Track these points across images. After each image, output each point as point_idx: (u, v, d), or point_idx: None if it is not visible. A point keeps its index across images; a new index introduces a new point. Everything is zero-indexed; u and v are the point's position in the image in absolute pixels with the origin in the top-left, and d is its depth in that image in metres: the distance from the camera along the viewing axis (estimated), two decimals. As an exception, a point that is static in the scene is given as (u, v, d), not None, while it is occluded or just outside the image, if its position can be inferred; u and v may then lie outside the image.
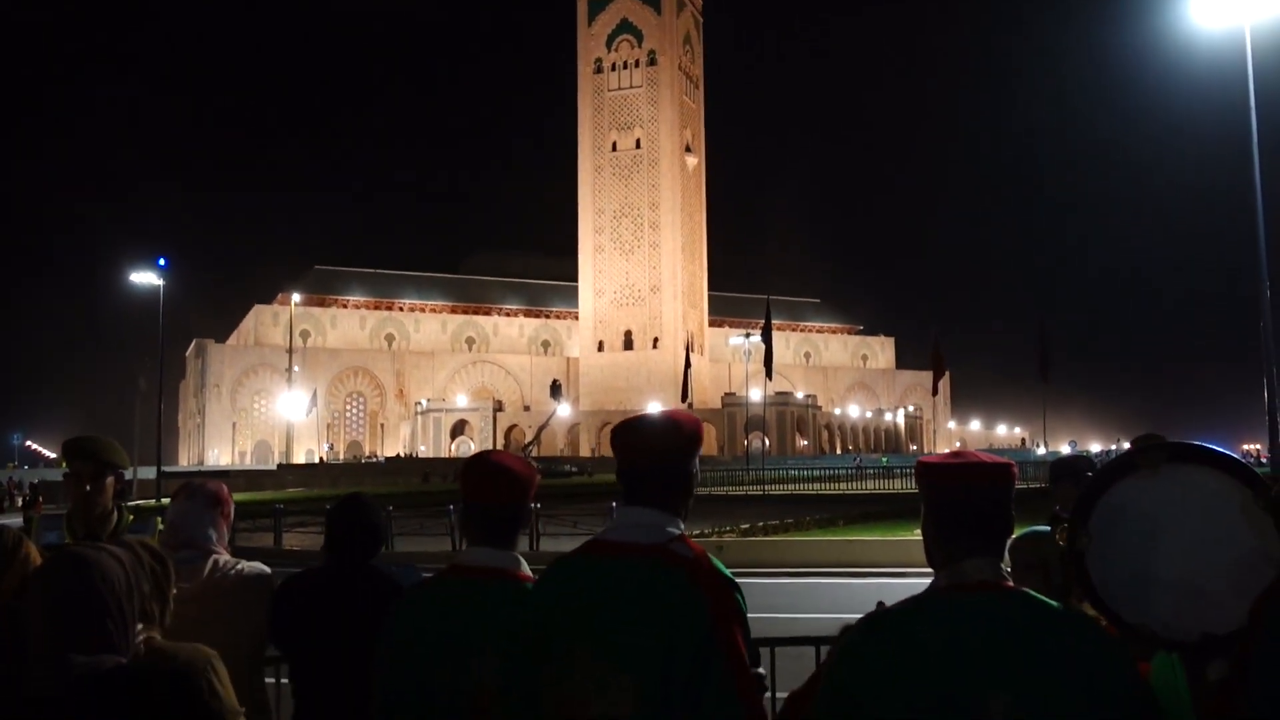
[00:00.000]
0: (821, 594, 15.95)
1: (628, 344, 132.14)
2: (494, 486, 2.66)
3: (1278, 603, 2.10)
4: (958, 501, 2.13)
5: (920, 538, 2.23)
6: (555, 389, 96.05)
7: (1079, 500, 2.81)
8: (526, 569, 2.68)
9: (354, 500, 3.39)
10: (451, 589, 2.69)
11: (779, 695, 3.01)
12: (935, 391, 57.91)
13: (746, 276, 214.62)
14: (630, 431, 2.41)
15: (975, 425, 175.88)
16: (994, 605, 2.05)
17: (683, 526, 2.32)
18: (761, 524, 27.95)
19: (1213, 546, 2.35)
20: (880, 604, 2.21)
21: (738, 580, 2.29)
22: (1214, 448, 2.58)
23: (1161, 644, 2.42)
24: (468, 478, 2.69)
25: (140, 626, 2.55)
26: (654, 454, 2.36)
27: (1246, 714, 2.08)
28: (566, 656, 2.25)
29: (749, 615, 2.28)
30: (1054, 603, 2.09)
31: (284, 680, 3.37)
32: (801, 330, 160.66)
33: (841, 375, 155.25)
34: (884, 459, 73.46)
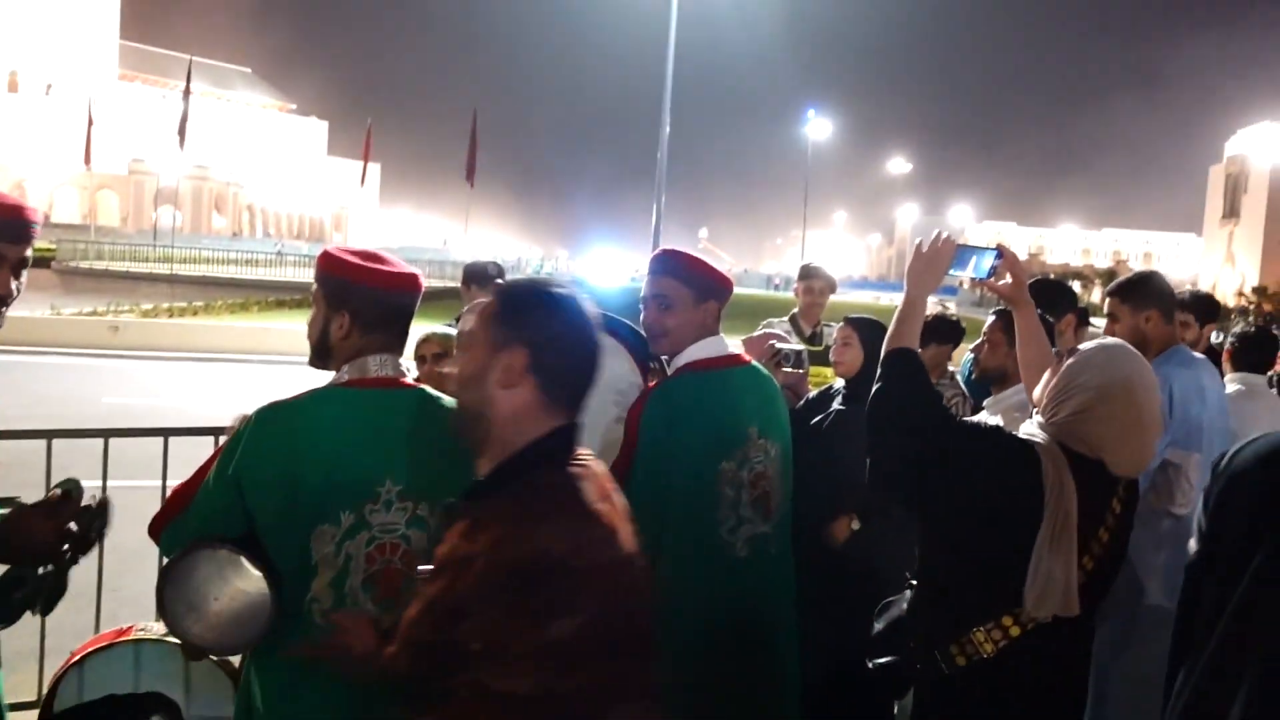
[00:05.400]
0: (230, 380, 15.36)
1: (12, 87, 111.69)
2: None
3: None
4: (371, 302, 2.12)
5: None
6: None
7: None
8: None
9: None
10: None
11: (170, 485, 2.84)
12: (363, 183, 57.56)
13: (168, 31, 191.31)
14: None
15: (404, 212, 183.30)
16: (392, 399, 2.13)
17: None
18: (168, 306, 26.08)
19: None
20: None
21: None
22: (624, 322, 2.85)
23: None
24: None
25: None
26: None
27: None
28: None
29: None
30: (447, 399, 2.17)
31: None
32: (229, 101, 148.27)
33: (267, 156, 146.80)
34: (308, 247, 71.82)
